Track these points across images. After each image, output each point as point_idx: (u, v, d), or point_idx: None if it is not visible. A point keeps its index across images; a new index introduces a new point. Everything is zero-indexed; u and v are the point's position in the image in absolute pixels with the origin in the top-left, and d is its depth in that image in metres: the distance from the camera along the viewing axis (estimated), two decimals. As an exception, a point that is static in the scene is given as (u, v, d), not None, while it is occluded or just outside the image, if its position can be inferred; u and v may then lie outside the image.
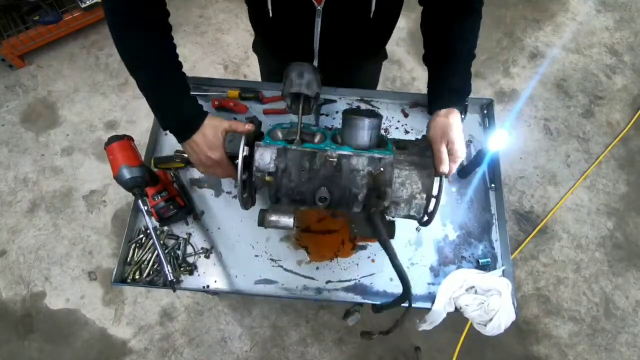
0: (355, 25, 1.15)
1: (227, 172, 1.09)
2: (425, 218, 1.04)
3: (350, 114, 1.00)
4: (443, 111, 1.07)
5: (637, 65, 3.00)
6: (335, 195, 1.00)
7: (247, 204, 1.07)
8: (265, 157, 1.00)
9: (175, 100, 1.04)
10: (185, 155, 1.13)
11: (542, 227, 2.47)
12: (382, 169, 0.98)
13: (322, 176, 0.98)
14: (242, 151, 0.97)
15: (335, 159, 0.97)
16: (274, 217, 1.07)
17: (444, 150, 1.00)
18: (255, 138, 1.04)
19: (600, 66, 2.99)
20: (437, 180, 1.01)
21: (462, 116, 1.11)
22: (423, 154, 1.03)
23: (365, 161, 0.99)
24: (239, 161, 0.96)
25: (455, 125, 1.04)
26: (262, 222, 1.07)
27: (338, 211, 1.09)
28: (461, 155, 1.03)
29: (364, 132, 1.02)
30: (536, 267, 2.39)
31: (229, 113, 1.47)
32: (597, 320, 2.28)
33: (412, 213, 1.01)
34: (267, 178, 0.99)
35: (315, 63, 1.25)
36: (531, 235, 2.43)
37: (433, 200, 1.01)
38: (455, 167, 1.04)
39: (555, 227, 2.48)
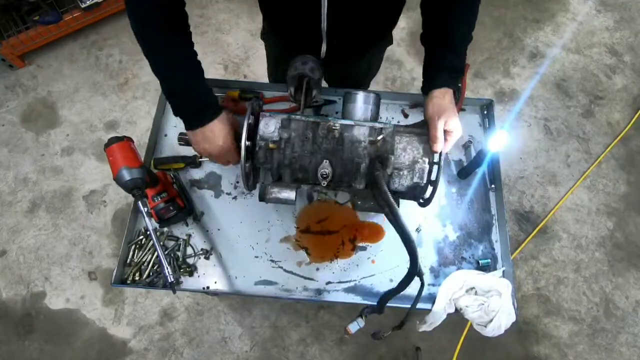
0: (365, 3, 1.14)
1: (233, 159, 1.12)
2: (429, 191, 1.05)
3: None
4: (438, 91, 1.08)
5: (637, 65, 3.00)
6: (338, 170, 1.02)
7: (249, 179, 1.07)
8: (269, 126, 1.03)
9: (192, 86, 1.04)
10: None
11: (542, 227, 2.47)
12: (383, 137, 1.01)
13: (325, 150, 1.01)
14: (247, 119, 0.99)
15: (338, 128, 1.00)
16: (275, 189, 1.07)
17: (440, 130, 1.01)
18: (259, 113, 1.06)
19: (600, 66, 2.99)
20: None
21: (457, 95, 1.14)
22: (422, 126, 1.07)
23: (367, 131, 1.02)
24: (244, 128, 0.97)
25: (452, 105, 1.06)
26: (263, 195, 1.08)
27: (340, 189, 1.09)
28: (458, 132, 1.06)
29: (363, 107, 1.06)
30: (536, 267, 2.39)
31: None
32: (597, 320, 2.28)
33: (415, 180, 1.03)
34: (271, 145, 1.01)
35: (324, 47, 1.24)
36: (531, 235, 2.43)
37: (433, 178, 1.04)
38: (451, 144, 1.07)
39: (555, 227, 2.48)
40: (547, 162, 2.65)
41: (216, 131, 1.04)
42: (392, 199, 0.89)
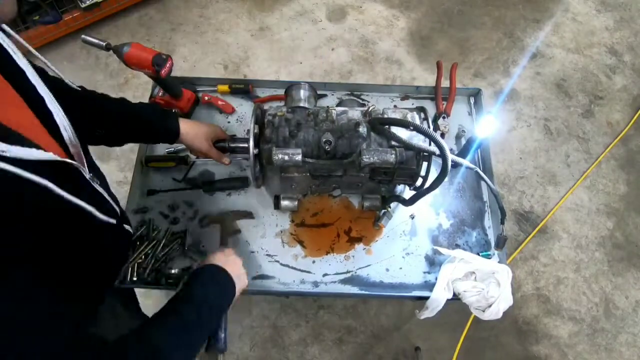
0: None
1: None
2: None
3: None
4: None
5: (637, 65, 3.00)
6: (337, 137, 1.12)
7: (258, 179, 1.19)
8: (276, 108, 1.18)
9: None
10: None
11: (542, 227, 2.45)
12: (374, 106, 1.17)
13: (325, 129, 1.12)
14: (253, 129, 1.08)
15: (335, 111, 1.15)
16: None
17: None
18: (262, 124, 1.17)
19: (600, 66, 2.99)
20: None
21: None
22: None
23: (360, 113, 1.17)
24: (250, 137, 1.07)
25: None
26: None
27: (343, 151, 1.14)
28: None
29: (307, 93, 1.29)
30: (536, 267, 2.37)
31: (216, 111, 1.49)
32: (597, 320, 2.26)
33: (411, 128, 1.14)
34: (280, 112, 1.14)
35: None
36: (531, 235, 2.42)
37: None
38: None
39: (555, 227, 2.47)
40: (547, 162, 2.64)
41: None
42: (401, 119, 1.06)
